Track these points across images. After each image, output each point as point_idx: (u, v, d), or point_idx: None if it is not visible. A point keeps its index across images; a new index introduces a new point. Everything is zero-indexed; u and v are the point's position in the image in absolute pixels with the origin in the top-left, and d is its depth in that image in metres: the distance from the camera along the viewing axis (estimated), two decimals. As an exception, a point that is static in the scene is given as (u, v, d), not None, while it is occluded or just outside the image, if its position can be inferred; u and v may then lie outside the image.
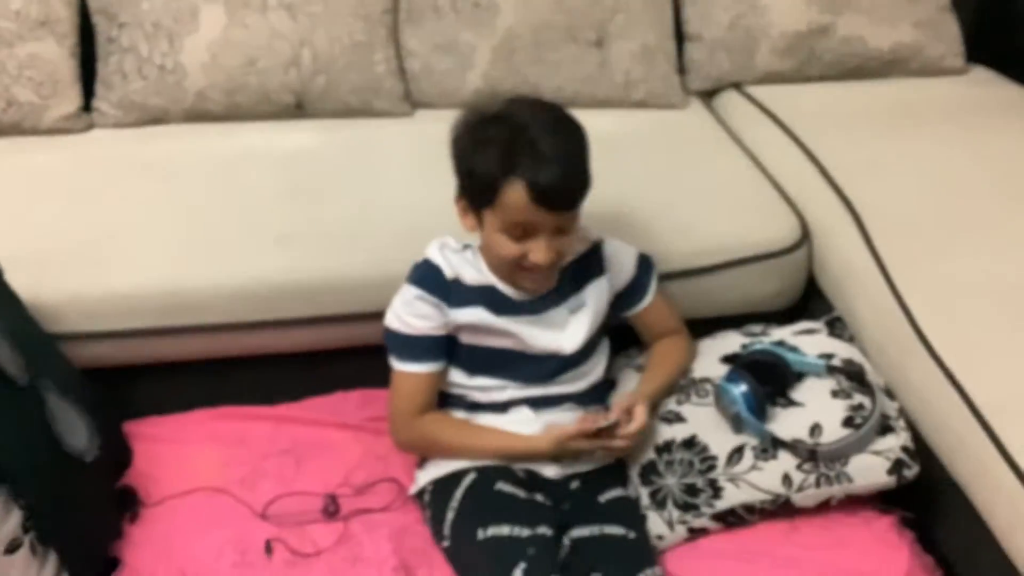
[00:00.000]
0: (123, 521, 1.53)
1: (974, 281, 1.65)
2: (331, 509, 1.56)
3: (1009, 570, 1.38)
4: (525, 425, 1.54)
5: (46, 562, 1.33)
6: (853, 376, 1.57)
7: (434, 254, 1.54)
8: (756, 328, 1.74)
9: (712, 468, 1.52)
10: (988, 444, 1.41)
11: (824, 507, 1.52)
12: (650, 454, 1.56)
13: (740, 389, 1.51)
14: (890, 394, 1.60)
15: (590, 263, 1.60)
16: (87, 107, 2.09)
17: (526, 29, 2.17)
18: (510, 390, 1.57)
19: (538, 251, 1.42)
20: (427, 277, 1.52)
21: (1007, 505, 1.38)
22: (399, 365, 1.54)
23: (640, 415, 1.49)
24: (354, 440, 1.69)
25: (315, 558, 1.47)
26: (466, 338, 1.55)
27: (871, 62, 2.36)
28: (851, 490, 1.50)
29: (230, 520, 1.53)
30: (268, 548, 1.47)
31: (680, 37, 2.35)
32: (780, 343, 1.66)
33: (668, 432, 1.57)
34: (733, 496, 1.50)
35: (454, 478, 1.51)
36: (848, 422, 1.50)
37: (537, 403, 1.57)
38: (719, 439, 1.54)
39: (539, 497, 1.50)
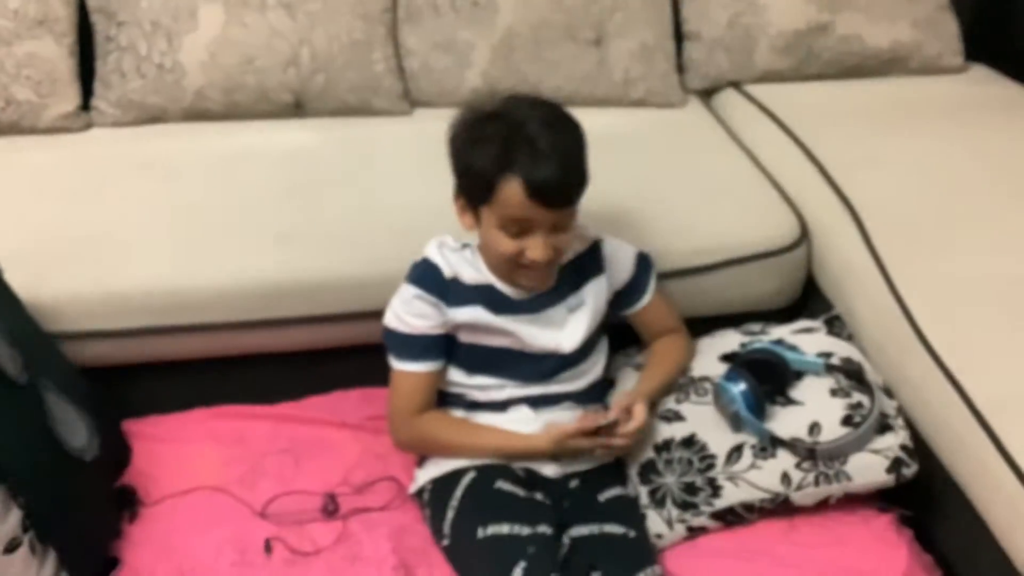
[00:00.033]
0: (122, 520, 1.53)
1: (973, 279, 1.65)
2: (330, 508, 1.56)
3: (1008, 568, 1.38)
4: (524, 424, 1.54)
5: (45, 561, 1.33)
6: (852, 375, 1.57)
7: (433, 253, 1.54)
8: (755, 327, 1.75)
9: (711, 467, 1.52)
10: (987, 443, 1.41)
11: (823, 506, 1.52)
12: (649, 453, 1.57)
13: (739, 388, 1.51)
14: (889, 393, 1.60)
15: (589, 262, 1.60)
16: (86, 106, 2.09)
17: (525, 28, 2.17)
18: (509, 389, 1.57)
19: (535, 248, 1.42)
20: (426, 276, 1.52)
21: (1006, 504, 1.38)
22: (398, 364, 1.54)
23: (639, 413, 1.49)
24: (353, 439, 1.69)
25: (314, 557, 1.47)
26: (465, 337, 1.55)
27: (870, 61, 2.36)
28: (850, 489, 1.50)
29: (229, 519, 1.53)
30: (267, 547, 1.47)
31: (679, 36, 2.35)
32: (779, 342, 1.66)
33: (667, 431, 1.57)
34: (732, 495, 1.50)
35: (454, 477, 1.51)
36: (847, 421, 1.51)
37: (536, 402, 1.57)
38: (718, 438, 1.54)
39: (539, 496, 1.50)
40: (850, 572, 1.46)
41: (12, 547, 1.26)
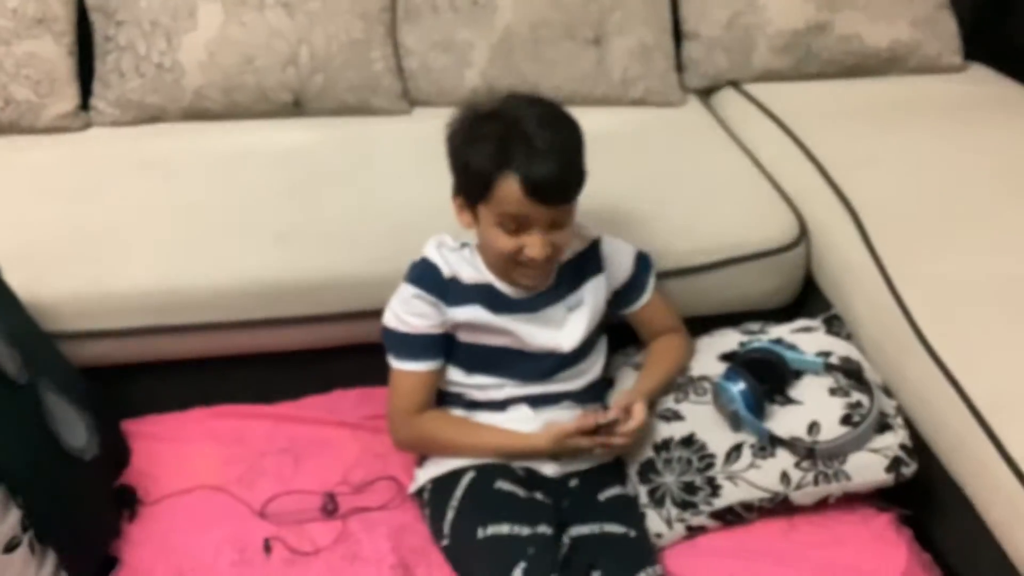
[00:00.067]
0: (122, 520, 1.53)
1: (972, 278, 1.65)
2: (329, 507, 1.56)
3: (1007, 567, 1.38)
4: (524, 423, 1.54)
5: (45, 561, 1.33)
6: (851, 374, 1.57)
7: (431, 253, 1.54)
8: (754, 326, 1.75)
9: (710, 466, 1.52)
10: (986, 442, 1.41)
11: (822, 505, 1.52)
12: (648, 452, 1.57)
13: (738, 387, 1.51)
14: (888, 392, 1.60)
15: (588, 261, 1.60)
16: (85, 105, 2.08)
17: (524, 27, 2.17)
18: (508, 388, 1.57)
19: (534, 246, 1.42)
20: (425, 276, 1.52)
21: (1005, 502, 1.38)
22: (397, 363, 1.54)
23: (639, 412, 1.49)
24: (352, 438, 1.69)
25: (313, 556, 1.47)
26: (464, 336, 1.55)
27: (869, 60, 2.36)
28: (849, 488, 1.50)
29: (229, 518, 1.53)
30: (267, 546, 1.47)
31: (678, 35, 2.35)
32: (778, 341, 1.66)
33: (666, 430, 1.57)
34: (731, 494, 1.50)
35: (453, 476, 1.51)
36: (846, 420, 1.51)
37: (536, 401, 1.57)
38: (717, 437, 1.54)
39: (539, 495, 1.50)
40: (849, 571, 1.46)
41: (11, 546, 1.26)
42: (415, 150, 1.86)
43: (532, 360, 1.56)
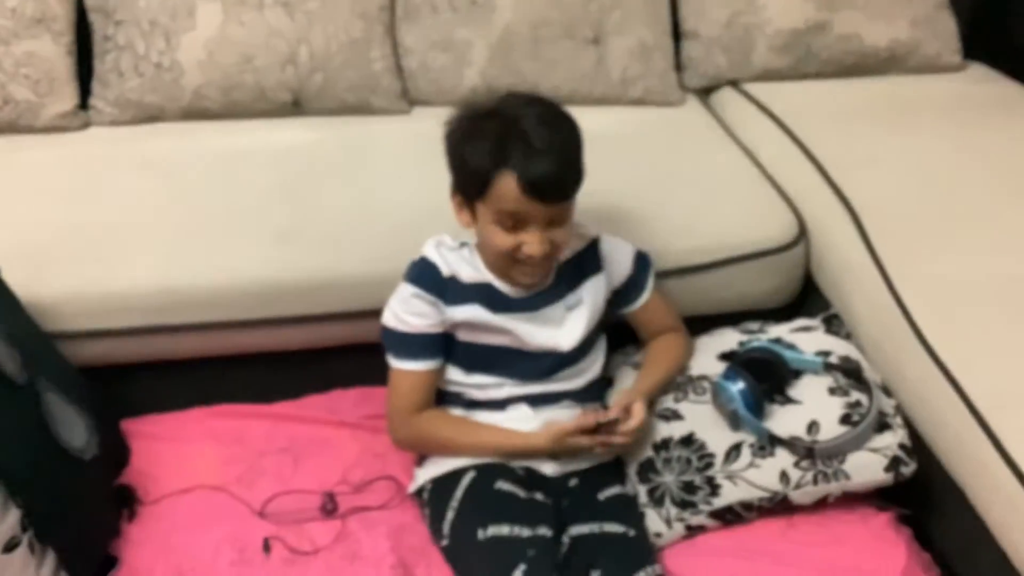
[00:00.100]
0: (121, 519, 1.53)
1: (971, 277, 1.65)
2: (329, 507, 1.56)
3: (1006, 566, 1.38)
4: (523, 422, 1.54)
5: (44, 560, 1.33)
6: (850, 373, 1.57)
7: (430, 252, 1.54)
8: (753, 325, 1.75)
9: (710, 465, 1.52)
10: (985, 441, 1.41)
11: (821, 504, 1.52)
12: (648, 452, 1.57)
13: (737, 386, 1.51)
14: (887, 391, 1.60)
15: (587, 260, 1.60)
16: (84, 105, 2.08)
17: (523, 26, 2.17)
18: (508, 387, 1.57)
19: (532, 243, 1.42)
20: (424, 275, 1.52)
21: (1004, 502, 1.38)
22: (396, 363, 1.54)
23: (639, 411, 1.49)
24: (352, 438, 1.69)
25: (313, 556, 1.47)
26: (463, 335, 1.55)
27: (868, 59, 2.36)
28: (848, 487, 1.50)
29: (228, 518, 1.53)
30: (266, 546, 1.47)
31: (677, 34, 2.35)
32: (777, 340, 1.66)
33: (666, 430, 1.57)
34: (731, 493, 1.50)
35: (454, 476, 1.51)
36: (845, 419, 1.51)
37: (535, 400, 1.57)
38: (717, 436, 1.54)
39: (539, 496, 1.50)
40: (849, 570, 1.46)
41: (11, 546, 1.26)
42: (414, 149, 1.86)
43: (531, 359, 1.56)
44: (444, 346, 1.54)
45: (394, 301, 1.53)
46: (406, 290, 1.52)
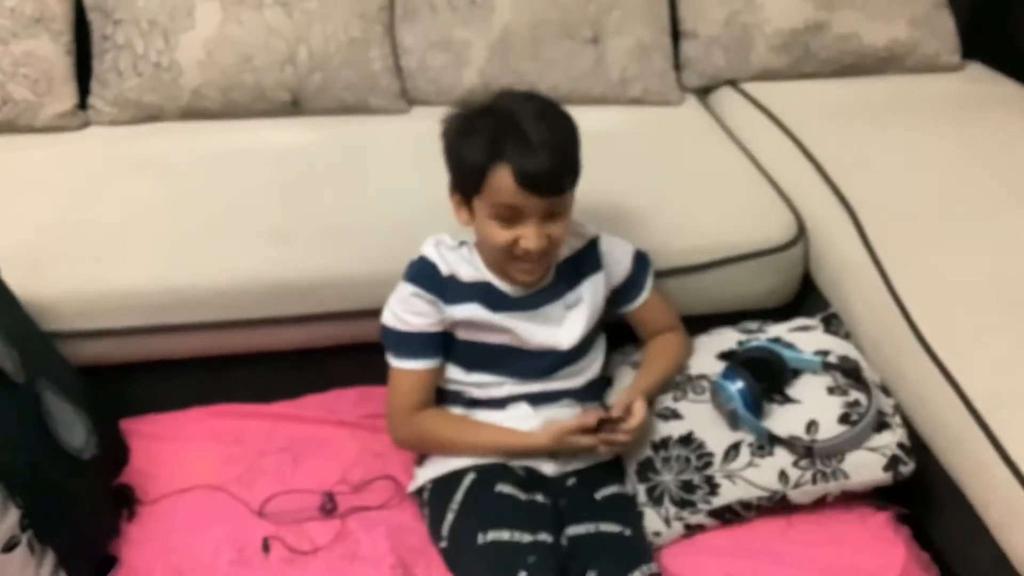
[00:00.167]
0: (120, 519, 1.53)
1: (970, 277, 1.65)
2: (328, 507, 1.56)
3: (1004, 565, 1.38)
4: (523, 421, 1.54)
5: (44, 560, 1.33)
6: (849, 373, 1.58)
7: (430, 251, 1.54)
8: (752, 325, 1.75)
9: (709, 465, 1.52)
10: (984, 440, 1.41)
11: (820, 503, 1.52)
12: (647, 451, 1.57)
13: (736, 386, 1.52)
14: (886, 390, 1.60)
15: (586, 259, 1.60)
16: (83, 105, 2.08)
17: (522, 26, 2.17)
18: (508, 386, 1.57)
19: (528, 237, 1.42)
20: (423, 274, 1.52)
21: (1003, 501, 1.38)
22: (396, 362, 1.54)
23: (640, 410, 1.49)
24: (351, 437, 1.69)
25: (312, 556, 1.47)
26: (463, 334, 1.55)
27: (866, 59, 2.36)
28: (847, 486, 1.50)
29: (227, 518, 1.53)
30: (265, 546, 1.47)
31: (676, 34, 2.35)
32: (776, 340, 1.67)
33: (665, 429, 1.57)
34: (730, 493, 1.50)
35: (454, 477, 1.51)
36: (844, 419, 1.51)
37: (535, 399, 1.57)
38: (716, 436, 1.54)
39: (539, 498, 1.49)
40: (848, 570, 1.46)
41: (10, 546, 1.26)
42: (413, 149, 1.86)
43: (531, 358, 1.56)
44: (444, 345, 1.54)
45: (393, 300, 1.53)
46: (405, 289, 1.52)
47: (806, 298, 1.92)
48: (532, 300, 1.55)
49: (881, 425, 1.52)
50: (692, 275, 1.81)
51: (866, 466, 1.49)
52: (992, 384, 1.48)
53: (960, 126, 2.13)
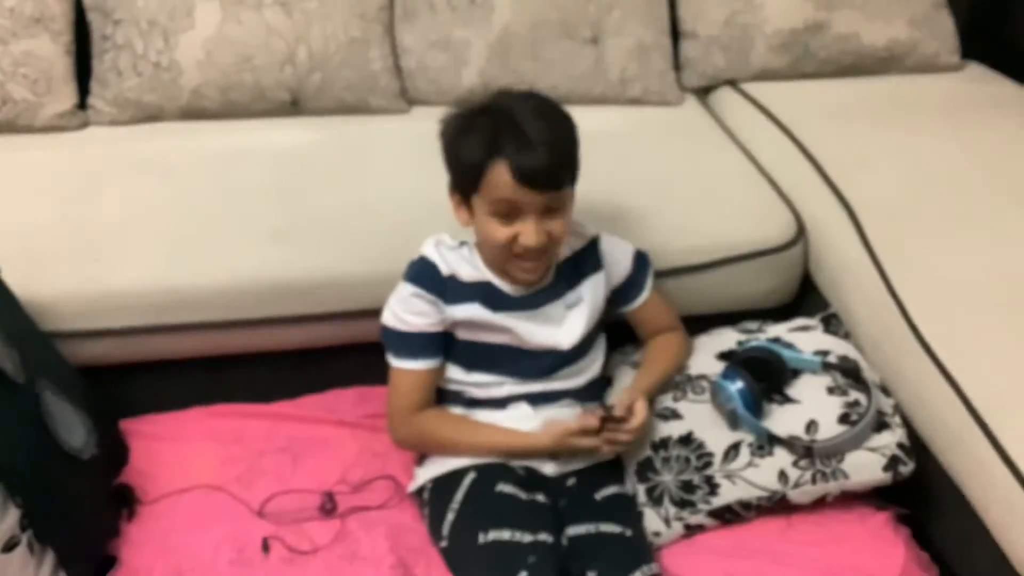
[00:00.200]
0: (120, 519, 1.53)
1: (969, 277, 1.65)
2: (328, 507, 1.56)
3: (1004, 565, 1.38)
4: (523, 421, 1.54)
5: (43, 560, 1.33)
6: (849, 373, 1.58)
7: (430, 251, 1.54)
8: (752, 325, 1.75)
9: (708, 465, 1.52)
10: (983, 440, 1.42)
11: (820, 504, 1.52)
12: (647, 451, 1.57)
13: (736, 386, 1.52)
14: (886, 390, 1.60)
15: (586, 259, 1.60)
16: (82, 105, 2.08)
17: (522, 26, 2.17)
18: (508, 386, 1.57)
19: (527, 233, 1.42)
20: (423, 274, 1.52)
21: (1002, 501, 1.39)
22: (396, 362, 1.54)
23: (641, 410, 1.49)
24: (351, 437, 1.69)
25: (312, 556, 1.47)
26: (463, 334, 1.55)
27: (866, 59, 2.36)
28: (847, 487, 1.50)
29: (227, 518, 1.53)
30: (265, 546, 1.47)
31: (675, 34, 2.35)
32: (776, 340, 1.67)
33: (665, 429, 1.57)
34: (729, 493, 1.50)
35: (454, 477, 1.51)
36: (844, 419, 1.51)
37: (535, 399, 1.57)
38: (715, 436, 1.54)
39: (539, 497, 1.49)
40: (847, 570, 1.46)
41: (10, 546, 1.26)
42: (413, 149, 1.85)
43: (531, 358, 1.56)
44: (444, 345, 1.55)
45: (394, 300, 1.53)
46: (405, 289, 1.52)
47: (806, 298, 1.92)
48: (532, 300, 1.55)
49: (881, 425, 1.52)
50: (692, 275, 1.81)
51: (866, 466, 1.49)
52: (992, 384, 1.48)
53: (959, 126, 2.13)
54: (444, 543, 1.47)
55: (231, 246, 1.73)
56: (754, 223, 1.87)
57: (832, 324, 1.72)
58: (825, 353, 1.62)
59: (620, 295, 1.66)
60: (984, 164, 1.97)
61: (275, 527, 1.51)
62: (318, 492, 1.58)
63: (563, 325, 1.57)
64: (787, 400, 1.56)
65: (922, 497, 1.56)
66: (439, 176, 1.50)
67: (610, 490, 1.54)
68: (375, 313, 1.55)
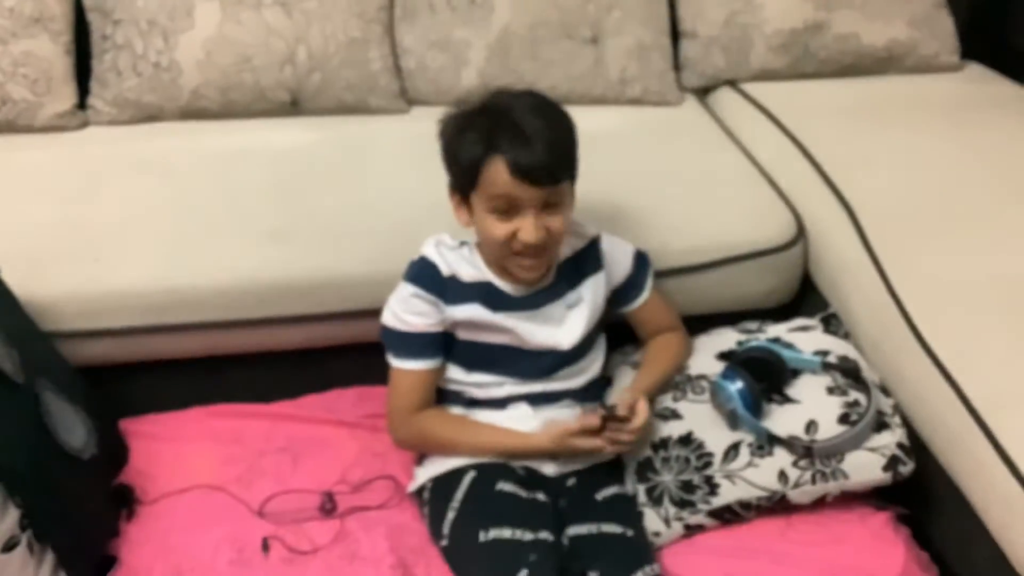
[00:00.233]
0: (120, 519, 1.53)
1: (969, 277, 1.66)
2: (328, 507, 1.55)
3: (1004, 565, 1.38)
4: (523, 421, 1.54)
5: (43, 560, 1.33)
6: (848, 373, 1.58)
7: (430, 251, 1.54)
8: (752, 325, 1.75)
9: (708, 465, 1.52)
10: (983, 440, 1.42)
11: (820, 504, 1.52)
12: (646, 451, 1.57)
13: (736, 386, 1.52)
14: (885, 390, 1.60)
15: (587, 259, 1.60)
16: (82, 105, 2.08)
17: (521, 26, 2.17)
18: (508, 386, 1.57)
19: (526, 229, 1.42)
20: (423, 274, 1.52)
21: (1002, 501, 1.39)
22: (396, 362, 1.54)
23: (643, 409, 1.49)
24: (351, 437, 1.69)
25: (312, 556, 1.47)
26: (463, 334, 1.55)
27: (866, 59, 2.37)
28: (847, 487, 1.50)
29: (227, 518, 1.53)
30: (265, 546, 1.47)
31: (675, 34, 2.35)
32: (776, 340, 1.67)
33: (664, 429, 1.57)
34: (729, 493, 1.50)
35: (454, 476, 1.51)
36: (844, 419, 1.51)
37: (535, 399, 1.57)
38: (715, 436, 1.54)
39: (540, 497, 1.49)
40: (847, 570, 1.46)
41: (10, 546, 1.26)
42: (413, 149, 1.85)
43: (531, 358, 1.56)
44: (444, 345, 1.54)
45: (394, 300, 1.53)
46: (406, 289, 1.52)
47: (805, 298, 1.92)
48: (533, 300, 1.55)
49: (880, 425, 1.52)
50: (692, 275, 1.81)
51: (866, 466, 1.49)
52: (991, 384, 1.48)
53: (959, 126, 2.13)
54: (445, 542, 1.47)
55: (231, 246, 1.73)
56: (754, 223, 1.87)
57: (832, 324, 1.72)
58: (825, 353, 1.62)
59: (620, 295, 1.66)
60: (984, 164, 1.97)
61: (275, 527, 1.51)
62: (318, 492, 1.58)
63: (563, 325, 1.57)
64: (787, 400, 1.56)
65: (922, 497, 1.56)
66: (439, 176, 1.50)
67: (610, 490, 1.54)
68: (375, 313, 1.55)
